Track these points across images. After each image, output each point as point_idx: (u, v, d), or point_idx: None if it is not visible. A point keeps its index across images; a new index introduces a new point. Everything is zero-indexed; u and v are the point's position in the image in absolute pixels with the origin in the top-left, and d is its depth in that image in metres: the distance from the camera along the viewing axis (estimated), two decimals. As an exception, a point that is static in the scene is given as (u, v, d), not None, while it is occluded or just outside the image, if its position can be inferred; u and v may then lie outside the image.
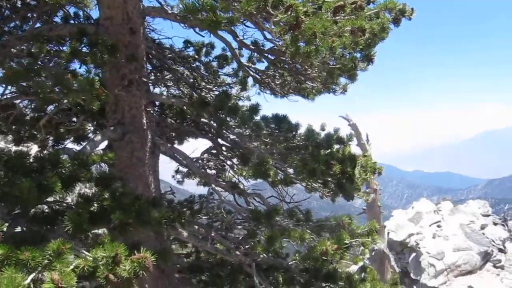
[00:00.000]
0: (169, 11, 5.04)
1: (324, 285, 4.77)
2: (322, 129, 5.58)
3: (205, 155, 6.30)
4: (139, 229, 3.90)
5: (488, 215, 23.29)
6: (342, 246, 4.11)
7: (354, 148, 13.59)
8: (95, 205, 3.71)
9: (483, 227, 21.01)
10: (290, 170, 5.09)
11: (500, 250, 19.92)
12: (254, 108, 5.21)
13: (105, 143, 5.27)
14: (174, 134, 6.70)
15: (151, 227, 3.73)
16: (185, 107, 5.51)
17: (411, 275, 19.98)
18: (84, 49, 4.91)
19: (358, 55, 4.31)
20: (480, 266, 18.76)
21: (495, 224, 22.60)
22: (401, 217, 24.32)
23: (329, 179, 4.90)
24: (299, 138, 5.33)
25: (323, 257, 4.00)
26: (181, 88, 6.60)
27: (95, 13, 5.26)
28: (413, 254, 20.43)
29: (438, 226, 21.43)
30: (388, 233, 22.60)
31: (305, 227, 4.88)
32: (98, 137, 4.80)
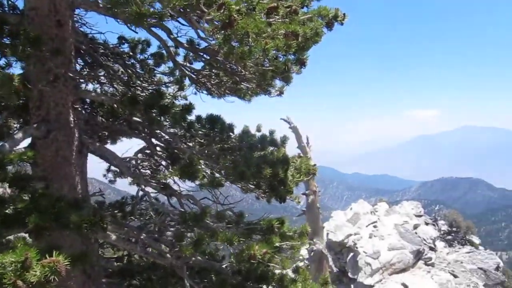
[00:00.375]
0: (101, 4, 4.80)
1: (256, 286, 4.72)
2: (258, 130, 5.55)
3: (139, 155, 6.07)
4: (62, 232, 3.67)
5: (420, 216, 24.40)
6: (270, 249, 4.07)
7: (294, 151, 13.70)
8: (10, 207, 3.44)
9: (415, 227, 21.96)
10: (223, 172, 5.02)
11: (431, 249, 20.90)
12: (187, 108, 5.08)
13: (28, 141, 4.94)
14: (106, 133, 6.40)
15: (70, 231, 3.51)
16: (115, 105, 5.27)
17: (349, 274, 20.52)
18: (6, 41, 4.60)
19: (291, 57, 4.31)
20: (413, 264, 19.56)
21: (426, 224, 23.71)
22: (340, 218, 24.92)
23: (261, 182, 4.87)
24: (234, 140, 5.26)
25: (252, 261, 3.94)
26: (115, 86, 6.31)
27: (22, 3, 4.94)
28: (351, 254, 20.99)
29: (375, 227, 22.15)
30: (328, 234, 23.10)
31: (236, 229, 4.81)
32: (19, 135, 4.46)
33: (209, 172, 5.04)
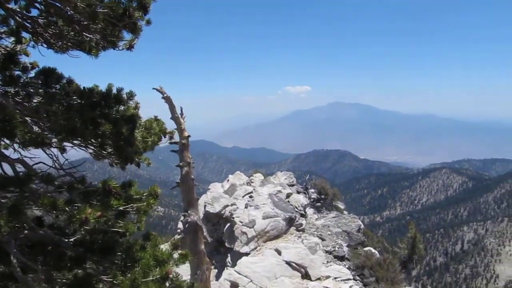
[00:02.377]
0: None
1: (101, 258, 4.34)
2: (109, 90, 5.05)
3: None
4: None
5: (293, 185, 25.69)
6: (107, 212, 3.74)
7: (169, 122, 13.22)
8: None
9: (288, 195, 23.04)
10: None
11: (302, 215, 22.14)
12: (9, 58, 4.36)
13: None
14: None
15: None
16: None
17: (226, 244, 20.91)
18: None
19: (135, 4, 3.92)
20: (286, 231, 20.52)
21: (298, 192, 25.05)
22: (217, 190, 25.20)
23: (105, 142, 4.44)
24: (74, 97, 4.71)
25: (85, 226, 3.57)
26: None
27: None
28: (228, 224, 21.38)
29: (250, 197, 22.78)
30: (205, 205, 23.23)
31: (70, 194, 4.34)
32: None
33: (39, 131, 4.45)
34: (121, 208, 3.91)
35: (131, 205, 4.35)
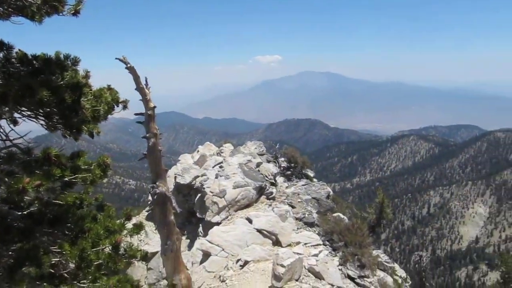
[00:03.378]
0: None
1: (50, 230, 4.22)
2: (57, 57, 4.79)
3: None
4: None
5: (262, 154, 25.76)
6: (47, 182, 3.60)
7: (134, 93, 12.97)
8: None
9: (258, 165, 23.11)
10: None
11: (272, 184, 22.31)
12: None
13: None
14: None
15: None
16: None
17: (197, 214, 20.96)
18: None
19: None
20: (256, 199, 20.68)
21: (268, 161, 25.15)
22: (187, 161, 25.06)
23: (51, 111, 4.23)
24: (18, 64, 4.45)
25: (24, 196, 3.42)
26: None
27: None
28: (199, 195, 21.37)
29: (221, 167, 22.75)
30: (176, 177, 23.11)
31: (10, 165, 4.15)
32: None
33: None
34: (66, 178, 3.76)
35: (77, 175, 4.19)
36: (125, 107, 5.21)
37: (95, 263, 3.95)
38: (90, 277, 3.99)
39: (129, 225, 4.74)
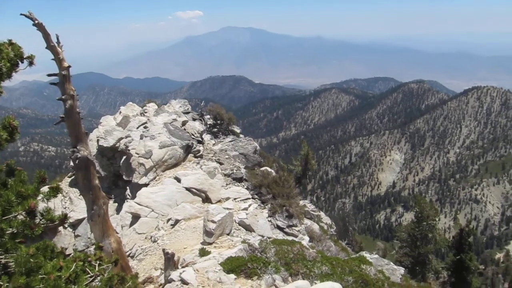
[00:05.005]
0: None
1: None
2: None
3: None
4: None
5: (188, 112, 25.39)
6: None
7: (43, 51, 12.06)
8: None
9: (184, 123, 22.78)
10: None
11: (199, 142, 22.20)
12: None
13: None
14: None
15: None
16: None
17: (124, 177, 20.46)
18: None
19: None
20: (184, 158, 20.53)
21: (194, 119, 24.88)
22: (109, 123, 24.10)
23: None
24: None
25: None
26: None
27: None
28: (124, 157, 20.79)
29: (145, 127, 22.16)
30: (98, 140, 22.23)
31: None
32: None
33: None
34: None
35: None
36: (31, 63, 4.79)
37: (7, 232, 3.70)
38: (4, 247, 3.75)
39: (45, 188, 4.48)
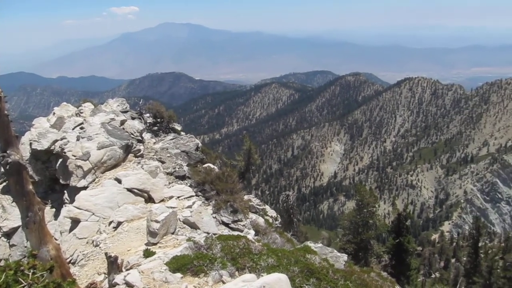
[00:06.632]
0: None
1: None
2: None
3: None
4: None
5: (126, 111, 24.76)
6: None
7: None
8: None
9: (122, 122, 22.19)
10: None
11: (139, 141, 21.73)
12: None
13: None
14: None
15: None
16: None
17: (61, 180, 19.66)
18: None
19: None
20: (124, 158, 20.02)
21: (133, 118, 24.30)
22: (43, 125, 23.05)
23: None
24: None
25: None
26: None
27: None
28: (60, 160, 19.98)
29: (81, 128, 21.38)
30: (31, 143, 21.18)
31: None
32: None
33: None
34: None
35: None
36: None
37: None
38: None
39: None
